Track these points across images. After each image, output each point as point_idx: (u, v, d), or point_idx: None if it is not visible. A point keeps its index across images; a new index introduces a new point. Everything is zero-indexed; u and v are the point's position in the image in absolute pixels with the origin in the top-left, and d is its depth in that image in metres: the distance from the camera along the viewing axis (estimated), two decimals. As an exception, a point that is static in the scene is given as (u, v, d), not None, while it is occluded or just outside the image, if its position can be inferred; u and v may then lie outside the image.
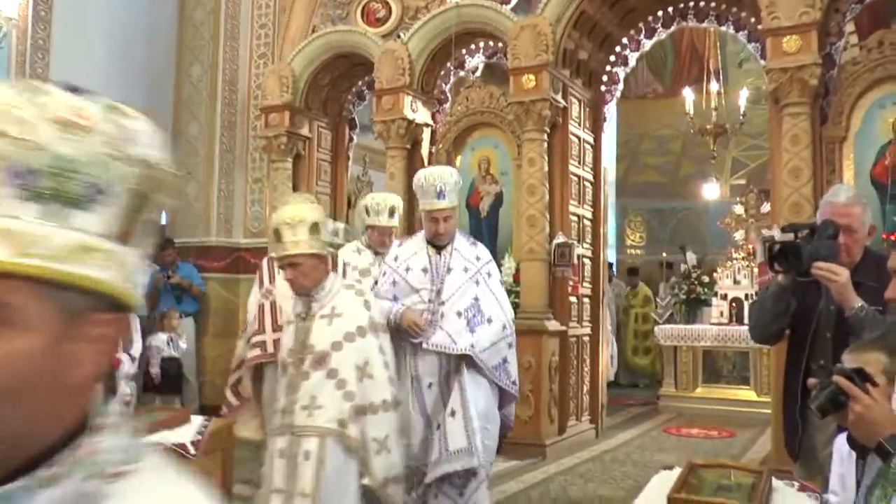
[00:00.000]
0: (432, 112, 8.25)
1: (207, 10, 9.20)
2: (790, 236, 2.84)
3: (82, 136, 0.68)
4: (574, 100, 7.36)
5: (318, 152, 9.05)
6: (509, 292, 7.14)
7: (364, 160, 10.47)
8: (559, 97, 7.03)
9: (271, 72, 8.72)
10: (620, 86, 7.87)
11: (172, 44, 9.51)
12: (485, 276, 4.13)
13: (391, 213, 5.16)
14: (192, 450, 3.64)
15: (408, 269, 4.11)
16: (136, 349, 7.64)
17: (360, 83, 9.19)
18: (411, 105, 7.87)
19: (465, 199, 7.85)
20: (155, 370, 7.75)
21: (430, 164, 8.04)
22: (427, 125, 8.11)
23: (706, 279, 9.88)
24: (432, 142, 8.18)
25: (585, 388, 7.39)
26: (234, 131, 9.18)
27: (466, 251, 4.18)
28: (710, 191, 13.20)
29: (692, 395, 9.15)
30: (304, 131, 8.79)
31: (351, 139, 9.49)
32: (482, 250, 4.28)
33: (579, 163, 7.42)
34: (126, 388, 4.98)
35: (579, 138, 7.44)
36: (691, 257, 10.18)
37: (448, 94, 8.46)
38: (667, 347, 9.39)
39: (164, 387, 7.84)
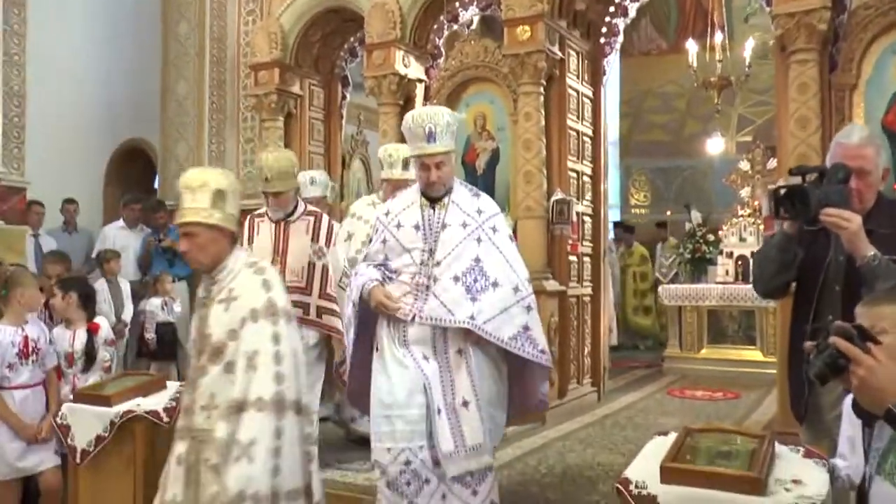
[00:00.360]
0: (426, 67, 7.96)
1: (193, -34, 8.90)
2: (797, 180, 2.60)
3: None
4: (572, 52, 7.06)
5: (311, 111, 8.80)
6: (506, 252, 6.97)
7: (359, 119, 10.19)
8: (556, 49, 6.74)
9: (260, 28, 8.43)
10: (620, 38, 7.56)
11: (158, 1, 9.23)
12: (488, 231, 3.51)
13: (405, 165, 4.71)
14: (164, 417, 3.47)
15: (399, 226, 3.55)
16: (128, 314, 7.52)
17: (352, 39, 8.90)
18: (403, 60, 7.59)
19: (461, 156, 7.62)
20: (150, 335, 7.57)
21: (424, 121, 7.79)
22: (420, 81, 7.83)
23: (711, 237, 9.64)
24: (426, 98, 7.90)
25: (586, 351, 7.20)
26: (224, 90, 8.93)
27: (466, 203, 3.56)
28: (715, 145, 12.82)
29: (697, 357, 8.96)
30: (296, 89, 8.52)
31: (344, 97, 9.23)
32: (486, 202, 3.65)
33: (578, 117, 7.15)
34: (105, 354, 4.78)
35: (578, 92, 7.16)
36: (696, 215, 9.93)
37: (442, 49, 8.17)
38: (671, 308, 9.18)
39: (159, 352, 7.68)
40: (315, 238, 4.64)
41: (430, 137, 3.47)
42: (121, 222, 8.24)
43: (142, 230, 8.26)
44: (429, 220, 3.55)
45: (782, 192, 2.58)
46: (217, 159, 8.81)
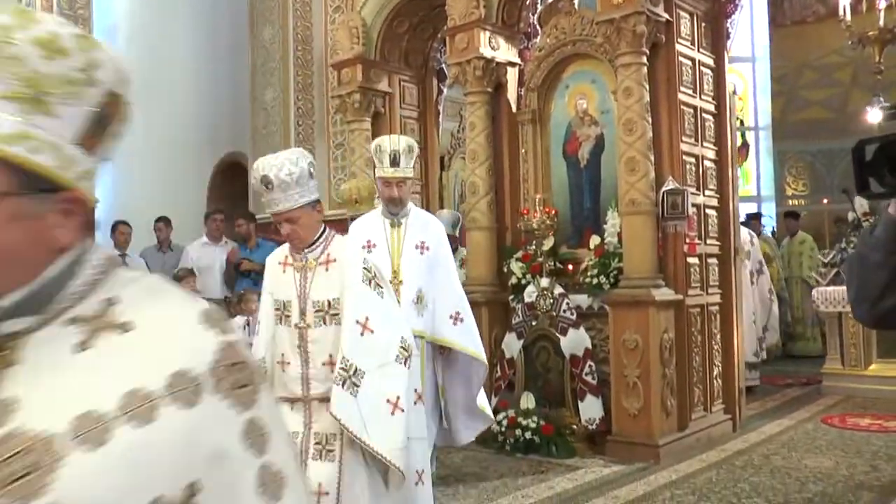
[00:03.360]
0: (519, 49, 7.01)
1: (275, -33, 8.42)
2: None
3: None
4: (683, 13, 5.89)
5: (402, 109, 8.05)
6: (614, 255, 5.88)
7: (460, 114, 9.37)
8: (659, 10, 5.60)
9: (341, 24, 7.81)
10: (747, -9, 6.28)
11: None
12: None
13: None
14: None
15: None
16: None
17: (444, 28, 8.08)
18: (490, 41, 6.68)
19: (562, 145, 6.61)
20: (229, 358, 7.10)
21: (518, 108, 6.84)
22: (512, 64, 6.88)
23: (881, 228, 7.99)
24: (520, 83, 6.95)
25: (716, 371, 5.97)
26: (311, 94, 8.37)
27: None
28: (877, 115, 10.83)
29: (864, 374, 7.34)
30: (382, 86, 7.80)
31: (440, 91, 8.42)
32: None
33: (695, 90, 5.95)
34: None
35: (693, 60, 5.96)
36: (861, 203, 8.30)
37: (538, 27, 7.18)
38: (830, 315, 7.64)
39: (240, 377, 7.20)
40: None
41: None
42: (204, 238, 7.84)
43: (226, 244, 7.82)
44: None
45: (871, 149, 1.43)
46: (306, 167, 8.24)
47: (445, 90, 8.48)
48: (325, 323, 2.82)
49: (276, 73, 8.32)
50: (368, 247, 4.09)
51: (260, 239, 7.86)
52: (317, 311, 2.83)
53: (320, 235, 2.91)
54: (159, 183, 9.23)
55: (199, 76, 9.33)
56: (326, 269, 2.87)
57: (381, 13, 7.63)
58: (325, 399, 2.75)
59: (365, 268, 2.88)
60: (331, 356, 2.79)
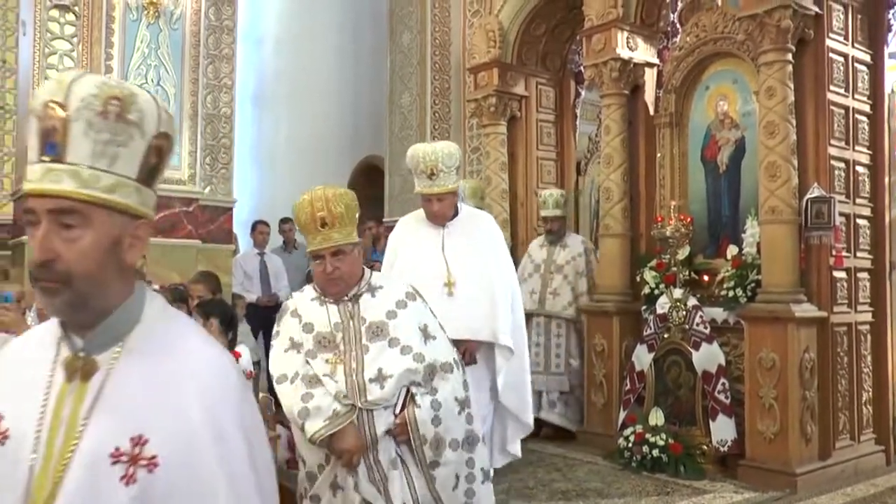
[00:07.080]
0: (658, 49, 6.73)
1: (414, -29, 8.53)
2: None
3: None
4: (836, 5, 5.43)
5: (539, 112, 7.94)
6: (752, 266, 5.51)
7: (598, 118, 9.10)
8: (808, 2, 5.19)
9: (478, 27, 7.80)
10: (912, -20, 5.72)
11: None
12: None
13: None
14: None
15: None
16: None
17: (582, 29, 7.90)
18: (627, 42, 6.45)
19: (700, 150, 6.28)
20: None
21: (655, 111, 6.57)
22: (650, 65, 6.61)
23: None
24: (658, 85, 6.66)
25: (865, 397, 5.46)
26: (448, 98, 8.41)
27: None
28: None
29: None
30: (519, 90, 7.73)
31: (578, 94, 8.24)
32: None
33: (847, 89, 5.47)
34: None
35: (846, 57, 5.48)
36: None
37: (678, 26, 6.86)
38: None
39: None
40: None
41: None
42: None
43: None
44: None
45: None
46: (440, 171, 8.29)
47: (584, 93, 8.29)
48: None
49: (414, 77, 8.42)
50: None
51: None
52: None
53: None
54: (300, 184, 9.60)
55: (341, 82, 9.64)
56: None
57: (519, 16, 7.56)
58: None
59: None
60: None
